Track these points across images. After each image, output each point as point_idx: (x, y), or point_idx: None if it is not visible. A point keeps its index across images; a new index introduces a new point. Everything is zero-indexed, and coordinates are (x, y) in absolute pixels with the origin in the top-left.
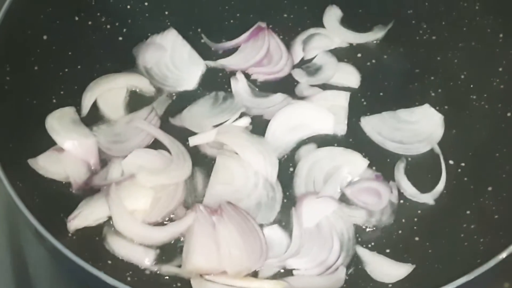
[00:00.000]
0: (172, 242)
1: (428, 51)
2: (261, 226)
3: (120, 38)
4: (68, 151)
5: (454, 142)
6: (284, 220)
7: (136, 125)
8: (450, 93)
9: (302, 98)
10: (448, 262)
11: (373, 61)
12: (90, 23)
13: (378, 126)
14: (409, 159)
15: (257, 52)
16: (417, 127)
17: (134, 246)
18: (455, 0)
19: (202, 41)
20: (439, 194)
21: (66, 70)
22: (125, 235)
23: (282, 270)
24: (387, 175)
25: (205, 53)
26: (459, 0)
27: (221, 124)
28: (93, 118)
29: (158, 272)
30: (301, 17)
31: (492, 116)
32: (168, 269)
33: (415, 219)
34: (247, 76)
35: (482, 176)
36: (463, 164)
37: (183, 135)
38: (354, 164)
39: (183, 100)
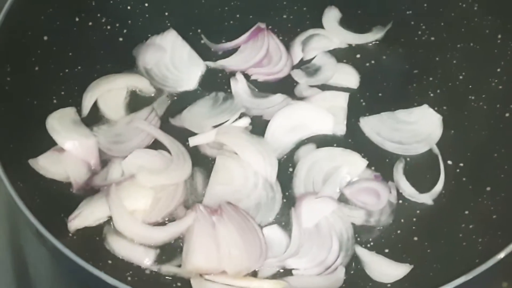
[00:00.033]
0: (172, 242)
1: (427, 51)
2: (261, 226)
3: (120, 39)
4: (69, 151)
5: (453, 143)
6: (284, 220)
7: (136, 125)
8: (448, 93)
9: (301, 98)
10: (446, 262)
11: (372, 61)
12: (90, 24)
13: (377, 127)
14: (408, 159)
15: (256, 53)
16: (416, 128)
17: (134, 246)
18: (454, 1)
19: (202, 41)
20: (438, 194)
21: (67, 70)
22: (125, 235)
23: (281, 270)
24: (386, 175)
25: (205, 54)
26: (457, 1)
27: (221, 124)
28: (93, 119)
29: (158, 272)
30: (300, 18)
31: (490, 116)
32: (168, 269)
33: (414, 219)
34: (247, 76)
35: (480, 176)
36: (461, 165)
37: (183, 135)
38: (353, 164)
39: (183, 101)
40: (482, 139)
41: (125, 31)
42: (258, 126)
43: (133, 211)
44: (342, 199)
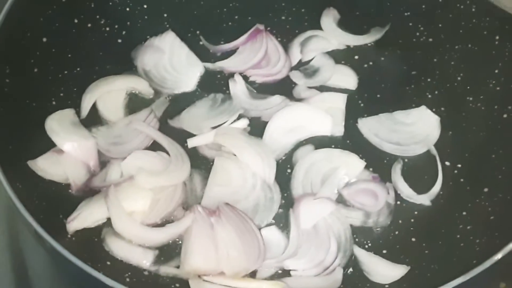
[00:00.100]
0: (171, 243)
1: (425, 53)
2: (259, 227)
3: (119, 41)
4: (68, 152)
5: (451, 144)
6: (282, 221)
7: (135, 127)
8: (446, 95)
9: (299, 100)
10: (444, 263)
11: (370, 63)
12: (89, 25)
13: (375, 128)
14: (406, 160)
15: (255, 54)
16: (414, 129)
17: (133, 247)
18: (452, 2)
19: (201, 43)
20: (436, 195)
21: (66, 72)
22: (124, 236)
23: (279, 271)
24: (384, 177)
25: (204, 55)
26: (455, 2)
27: (219, 125)
28: (92, 120)
29: (156, 273)
30: (298, 20)
31: (488, 117)
32: (167, 270)
33: (412, 220)
34: (245, 78)
35: (478, 177)
36: (459, 166)
37: (181, 136)
38: (351, 165)
39: (181, 102)
40: (480, 140)
41: (124, 32)
42: (257, 128)
43: (131, 212)
44: (340, 200)
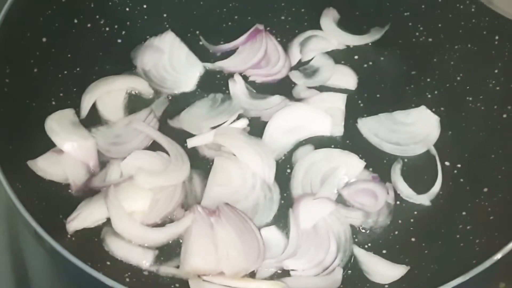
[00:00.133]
0: (171, 243)
1: (425, 53)
2: (259, 227)
3: (119, 41)
4: (67, 152)
5: (450, 144)
6: (282, 221)
7: (134, 127)
8: (446, 94)
9: (299, 100)
10: (444, 262)
11: (370, 63)
12: (89, 25)
13: (375, 128)
14: (406, 160)
15: (254, 54)
16: (414, 129)
17: (133, 247)
18: (452, 2)
19: (200, 43)
20: (435, 195)
21: (65, 72)
22: (123, 236)
23: (279, 271)
24: (384, 177)
25: (203, 55)
26: (455, 2)
27: (219, 125)
28: (92, 120)
29: (156, 273)
30: (298, 19)
31: (488, 117)
32: (167, 270)
33: (412, 220)
34: (245, 78)
35: (478, 177)
36: (459, 166)
37: (181, 136)
38: (351, 165)
39: (181, 102)
40: (479, 140)
41: (123, 32)
42: (256, 128)
43: (131, 212)
44: (340, 200)
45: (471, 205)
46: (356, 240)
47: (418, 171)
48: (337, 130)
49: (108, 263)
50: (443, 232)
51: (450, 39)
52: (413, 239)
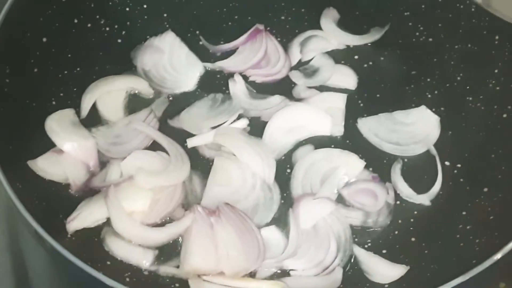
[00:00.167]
0: (171, 243)
1: (425, 53)
2: (259, 227)
3: (119, 41)
4: (68, 152)
5: (450, 144)
6: (282, 221)
7: (135, 127)
8: (446, 94)
9: (299, 100)
10: (444, 262)
11: (370, 63)
12: (89, 25)
13: (375, 128)
14: (406, 160)
15: (255, 54)
16: (414, 129)
17: (133, 247)
18: (451, 2)
19: (200, 43)
20: (435, 195)
21: (66, 72)
22: (123, 236)
23: (279, 271)
24: (384, 176)
25: (203, 55)
26: (455, 2)
27: (219, 125)
28: (92, 120)
29: (156, 272)
30: (298, 19)
31: (488, 117)
32: (167, 269)
33: (412, 220)
34: (245, 78)
35: (478, 177)
36: (459, 165)
37: (181, 136)
38: (351, 165)
39: (181, 102)
40: (479, 140)
41: (123, 32)
42: (256, 127)
43: (131, 212)
44: (340, 200)
45: (471, 205)
46: (356, 240)
47: (418, 171)
48: (337, 130)
49: (108, 263)
50: (443, 232)
51: (450, 39)
52: (413, 239)
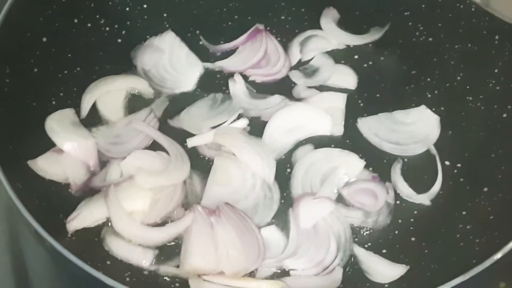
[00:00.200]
0: (171, 242)
1: (425, 52)
2: (259, 227)
3: (119, 40)
4: (68, 152)
5: (450, 143)
6: (282, 221)
7: (135, 126)
8: (446, 94)
9: (299, 99)
10: (444, 262)
11: (370, 62)
12: (89, 25)
13: (375, 127)
14: (406, 160)
15: (254, 54)
16: (414, 128)
17: (133, 247)
18: (452, 2)
19: (200, 43)
20: (435, 195)
21: (66, 72)
22: (123, 236)
23: (279, 271)
24: (384, 176)
25: (203, 55)
26: (455, 1)
27: (219, 125)
28: (92, 120)
29: (156, 272)
30: (298, 19)
31: (488, 117)
32: (167, 269)
33: (412, 220)
34: (245, 77)
35: (478, 177)
36: (459, 165)
37: (181, 136)
38: (351, 165)
39: (181, 102)
40: (479, 139)
41: (123, 32)
42: (256, 127)
43: (131, 212)
44: (340, 200)
45: (471, 205)
46: (356, 239)
47: (418, 171)
48: (337, 129)
49: (108, 262)
50: (443, 231)
51: (450, 39)
52: (413, 239)
